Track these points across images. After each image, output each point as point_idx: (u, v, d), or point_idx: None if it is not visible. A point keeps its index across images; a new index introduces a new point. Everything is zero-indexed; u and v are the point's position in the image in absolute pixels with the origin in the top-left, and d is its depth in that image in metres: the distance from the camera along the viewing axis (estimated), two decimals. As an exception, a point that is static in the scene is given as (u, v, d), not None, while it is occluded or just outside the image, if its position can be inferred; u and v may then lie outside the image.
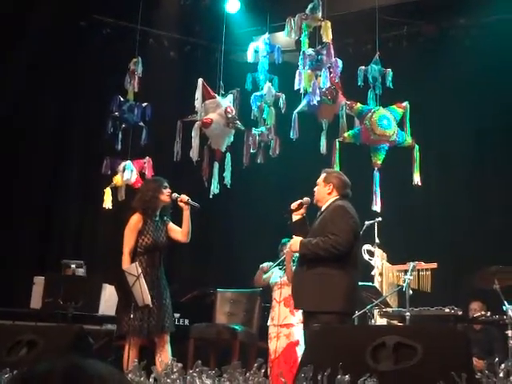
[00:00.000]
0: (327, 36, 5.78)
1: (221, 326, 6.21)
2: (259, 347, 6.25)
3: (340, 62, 5.86)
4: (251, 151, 6.45)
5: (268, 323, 6.08)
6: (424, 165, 6.27)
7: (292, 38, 6.25)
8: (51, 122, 8.27)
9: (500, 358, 2.83)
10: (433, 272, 5.77)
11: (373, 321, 5.51)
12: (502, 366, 2.70)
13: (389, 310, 5.56)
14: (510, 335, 5.06)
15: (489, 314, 5.49)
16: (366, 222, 5.78)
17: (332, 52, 5.78)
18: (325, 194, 4.65)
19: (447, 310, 5.23)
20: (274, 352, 5.87)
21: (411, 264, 5.51)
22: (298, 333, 5.63)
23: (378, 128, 6.03)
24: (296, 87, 5.85)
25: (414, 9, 8.02)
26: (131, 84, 7.08)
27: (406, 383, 2.90)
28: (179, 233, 5.14)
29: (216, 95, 6.32)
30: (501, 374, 2.66)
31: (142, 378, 3.17)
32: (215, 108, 6.26)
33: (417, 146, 6.17)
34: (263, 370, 3.02)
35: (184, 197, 5.11)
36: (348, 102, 6.16)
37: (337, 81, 6.01)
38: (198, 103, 6.23)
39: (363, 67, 6.26)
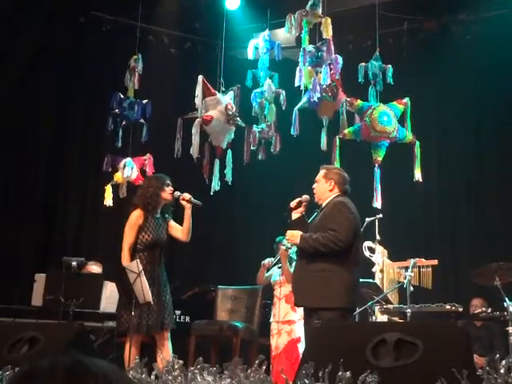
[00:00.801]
0: (327, 32, 5.77)
1: (222, 323, 6.21)
2: (260, 344, 6.26)
3: (340, 59, 5.85)
4: (252, 148, 6.45)
5: (270, 320, 6.09)
6: (424, 161, 6.27)
7: (292, 35, 6.24)
8: (51, 120, 8.26)
9: (501, 354, 2.82)
10: (433, 268, 5.77)
11: (373, 317, 5.51)
12: (503, 362, 2.69)
13: (389, 306, 5.56)
14: (510, 332, 5.05)
15: (490, 310, 5.49)
16: (367, 219, 5.78)
17: (332, 48, 5.77)
18: (326, 190, 4.64)
19: (448, 307, 5.23)
20: (276, 348, 5.88)
21: (412, 261, 5.50)
22: (300, 329, 5.64)
23: (379, 125, 6.03)
24: (296, 84, 5.84)
25: (414, 4, 8.02)
26: (131, 81, 7.08)
27: (406, 380, 2.90)
28: (180, 231, 5.13)
29: (216, 92, 6.32)
30: (502, 371, 2.66)
31: (143, 375, 3.17)
32: (215, 105, 6.25)
33: (418, 143, 6.17)
34: (264, 367, 3.02)
35: (186, 195, 5.10)
36: (348, 99, 6.15)
37: (337, 77, 6.01)
38: (198, 100, 6.23)
39: (363, 64, 6.26)
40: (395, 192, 7.13)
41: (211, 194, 6.41)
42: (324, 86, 5.90)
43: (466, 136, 8.04)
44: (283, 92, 6.35)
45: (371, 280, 5.80)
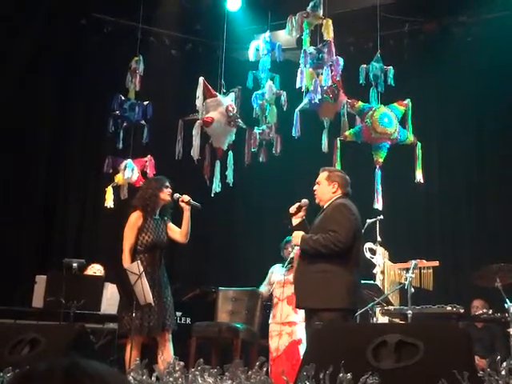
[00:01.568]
0: (328, 34, 5.78)
1: (222, 325, 6.20)
2: (261, 345, 6.26)
3: (341, 60, 5.86)
4: (252, 150, 6.45)
5: (269, 321, 6.08)
6: (425, 163, 6.27)
7: (293, 37, 6.24)
8: (51, 121, 8.26)
9: (502, 355, 2.82)
10: (434, 270, 5.77)
11: (374, 319, 5.51)
12: (504, 364, 2.69)
13: (390, 308, 5.55)
14: (511, 333, 5.05)
15: (491, 311, 5.48)
16: (368, 220, 5.78)
17: (333, 50, 5.77)
18: (329, 192, 4.64)
19: (449, 308, 5.22)
20: (276, 350, 5.87)
21: (413, 262, 5.50)
22: (301, 331, 5.63)
23: (379, 126, 6.04)
24: (297, 85, 5.84)
25: (415, 6, 8.02)
26: (132, 82, 7.09)
27: (407, 381, 2.89)
28: (178, 233, 5.13)
29: (217, 94, 6.32)
30: (503, 372, 2.66)
31: (144, 377, 3.17)
32: (216, 106, 6.26)
33: (419, 144, 6.17)
34: (265, 369, 3.02)
35: (185, 197, 5.10)
36: (349, 101, 6.16)
37: (338, 79, 6.02)
38: (199, 102, 6.23)
39: (364, 65, 6.26)
40: (396, 193, 7.13)
41: (212, 195, 6.42)
42: (325, 88, 5.91)
43: (467, 137, 8.04)
44: (284, 93, 6.36)
45: (372, 281, 5.80)
